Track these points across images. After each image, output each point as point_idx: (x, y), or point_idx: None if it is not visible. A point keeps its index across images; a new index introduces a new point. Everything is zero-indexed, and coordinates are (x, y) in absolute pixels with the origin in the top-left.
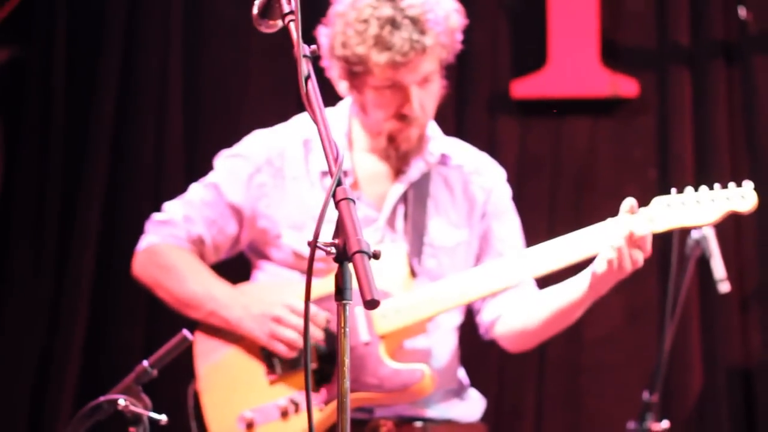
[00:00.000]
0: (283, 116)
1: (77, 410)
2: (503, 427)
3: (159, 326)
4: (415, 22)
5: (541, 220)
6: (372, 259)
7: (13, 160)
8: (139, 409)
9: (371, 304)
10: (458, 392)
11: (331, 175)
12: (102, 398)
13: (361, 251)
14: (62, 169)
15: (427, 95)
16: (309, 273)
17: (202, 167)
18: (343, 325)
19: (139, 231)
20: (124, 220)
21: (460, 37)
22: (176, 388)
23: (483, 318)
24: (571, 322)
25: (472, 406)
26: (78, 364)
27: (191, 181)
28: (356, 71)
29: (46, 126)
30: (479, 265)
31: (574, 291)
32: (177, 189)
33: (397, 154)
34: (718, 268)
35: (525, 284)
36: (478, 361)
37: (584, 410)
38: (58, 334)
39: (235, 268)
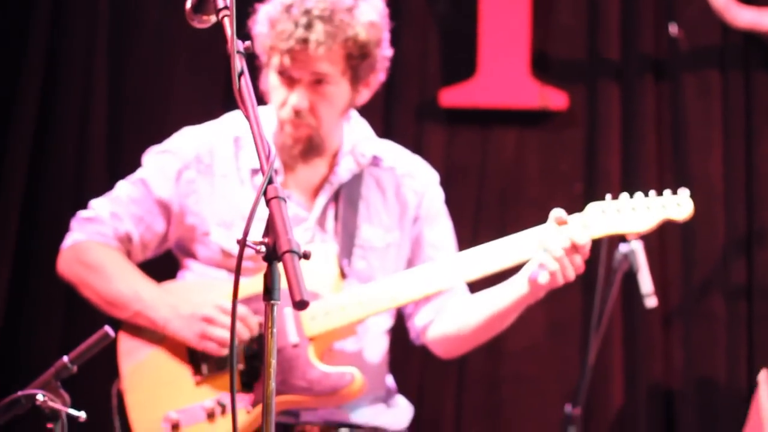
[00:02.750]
0: (208, 116)
1: None
2: None
3: (77, 323)
4: (307, 14)
5: (466, 229)
6: (302, 260)
7: None
8: (58, 405)
9: (300, 305)
10: (386, 399)
11: (263, 173)
12: (20, 393)
13: (291, 251)
14: None
15: (319, 98)
16: (237, 271)
17: (125, 167)
18: (270, 325)
19: (59, 228)
20: (44, 218)
21: (382, 53)
22: (96, 386)
23: (415, 323)
24: (504, 327)
25: (400, 413)
26: None
27: (113, 181)
28: (259, 51)
29: None
30: (410, 269)
31: (509, 296)
32: (99, 188)
33: (283, 146)
34: (646, 282)
35: (457, 289)
36: (398, 369)
37: (503, 421)
38: None
39: (161, 266)
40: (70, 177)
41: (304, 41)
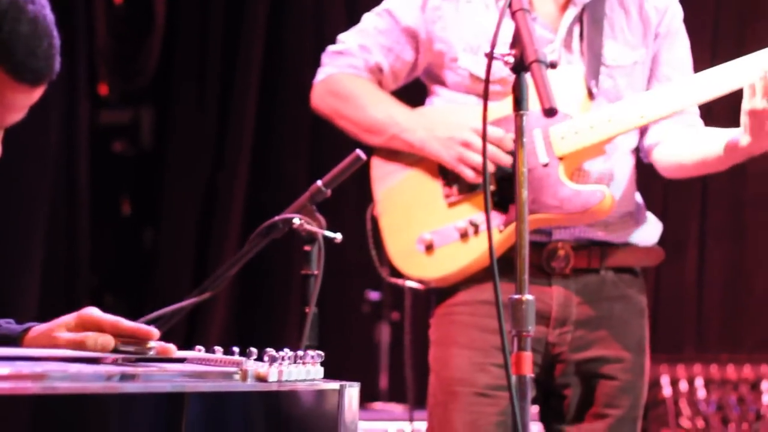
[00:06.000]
0: None
1: (243, 237)
2: (665, 257)
3: (321, 159)
4: None
5: (704, 48)
6: (549, 69)
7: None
8: (314, 228)
9: (550, 113)
10: (636, 215)
11: None
12: (277, 217)
13: (538, 60)
14: (224, 7)
15: None
16: (486, 81)
17: (364, 4)
18: (520, 135)
19: (299, 67)
20: (285, 57)
21: None
22: (348, 209)
23: (644, 141)
24: (726, 167)
25: (650, 229)
26: (242, 198)
27: (351, 17)
28: None
29: None
30: (648, 88)
31: (734, 138)
32: (338, 26)
33: None
34: None
35: (690, 112)
36: (642, 190)
37: (749, 244)
38: (223, 167)
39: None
40: (310, 17)
41: None
